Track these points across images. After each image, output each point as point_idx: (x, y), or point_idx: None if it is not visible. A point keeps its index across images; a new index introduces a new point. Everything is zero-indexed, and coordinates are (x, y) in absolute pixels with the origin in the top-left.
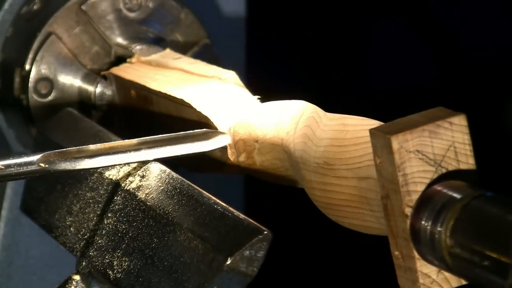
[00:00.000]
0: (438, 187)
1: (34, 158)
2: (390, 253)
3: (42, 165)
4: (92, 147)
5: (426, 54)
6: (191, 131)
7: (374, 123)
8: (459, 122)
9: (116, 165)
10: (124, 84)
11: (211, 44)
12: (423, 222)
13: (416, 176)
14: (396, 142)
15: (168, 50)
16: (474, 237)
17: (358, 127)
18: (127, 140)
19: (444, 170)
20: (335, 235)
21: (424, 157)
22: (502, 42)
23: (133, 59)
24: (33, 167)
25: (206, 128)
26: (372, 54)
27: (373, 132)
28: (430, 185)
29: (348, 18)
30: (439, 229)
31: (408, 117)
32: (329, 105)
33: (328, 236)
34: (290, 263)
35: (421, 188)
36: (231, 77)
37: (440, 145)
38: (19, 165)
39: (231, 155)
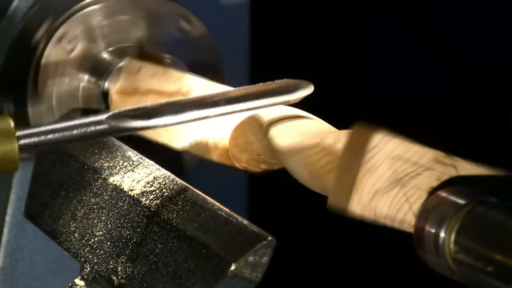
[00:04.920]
0: (441, 193)
1: (103, 117)
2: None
3: (112, 123)
4: (165, 102)
5: (429, 61)
6: (271, 82)
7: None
8: None
9: (197, 119)
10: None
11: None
12: (426, 228)
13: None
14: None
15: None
16: (478, 243)
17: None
18: (206, 94)
19: (447, 176)
20: (339, 240)
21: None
22: (506, 48)
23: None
24: (102, 127)
25: None
26: (375, 61)
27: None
28: (433, 191)
29: (352, 24)
30: (443, 235)
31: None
32: (332, 111)
33: (332, 241)
34: (294, 269)
35: (424, 194)
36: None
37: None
38: (86, 125)
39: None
